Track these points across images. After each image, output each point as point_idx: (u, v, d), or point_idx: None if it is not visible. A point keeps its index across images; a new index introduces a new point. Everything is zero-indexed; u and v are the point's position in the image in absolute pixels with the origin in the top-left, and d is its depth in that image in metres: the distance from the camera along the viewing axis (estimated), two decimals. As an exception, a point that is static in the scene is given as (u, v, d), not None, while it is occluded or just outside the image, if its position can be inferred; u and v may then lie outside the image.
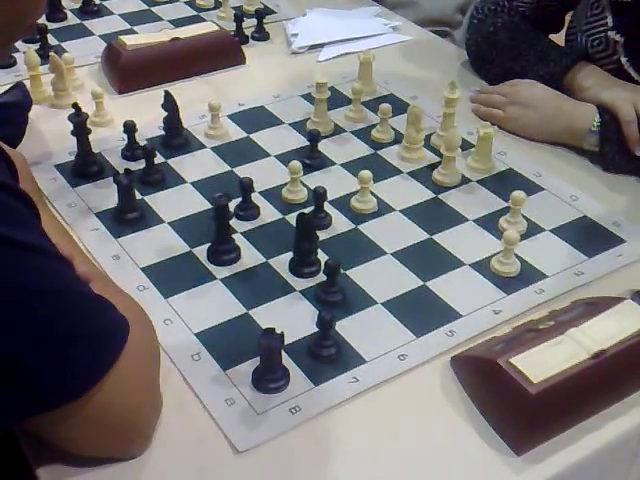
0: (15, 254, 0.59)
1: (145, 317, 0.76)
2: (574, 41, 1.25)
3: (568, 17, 1.33)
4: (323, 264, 0.88)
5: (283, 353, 0.77)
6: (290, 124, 1.19)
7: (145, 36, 1.33)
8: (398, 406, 0.77)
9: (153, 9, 1.50)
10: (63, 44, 1.37)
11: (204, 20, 1.44)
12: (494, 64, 1.28)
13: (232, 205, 0.94)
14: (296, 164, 1.01)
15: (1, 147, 0.66)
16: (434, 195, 1.05)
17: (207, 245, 0.94)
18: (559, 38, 1.31)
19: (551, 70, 1.19)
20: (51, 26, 1.39)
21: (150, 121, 1.15)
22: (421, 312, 0.87)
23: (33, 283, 0.60)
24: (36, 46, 1.32)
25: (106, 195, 1.02)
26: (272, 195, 1.04)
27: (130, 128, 1.08)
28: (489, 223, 1.00)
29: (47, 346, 0.61)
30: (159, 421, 0.73)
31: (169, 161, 1.10)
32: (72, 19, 1.46)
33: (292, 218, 0.95)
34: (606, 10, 1.17)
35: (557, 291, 0.90)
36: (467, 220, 1.01)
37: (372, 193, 1.02)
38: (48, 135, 1.14)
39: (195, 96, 1.23)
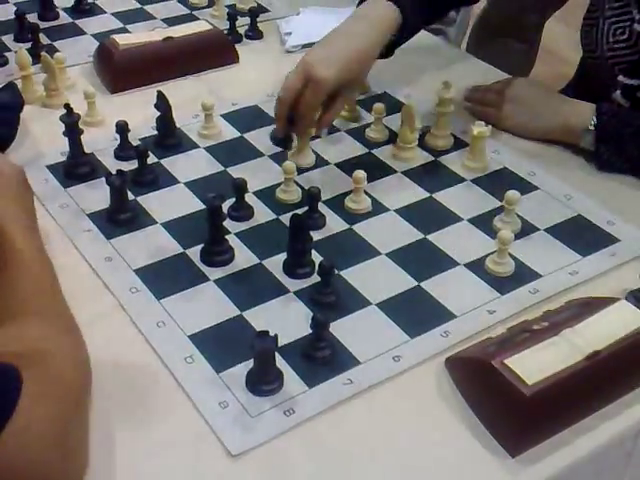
0: None
1: (73, 350, 0.70)
2: (595, 26, 1.20)
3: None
4: (317, 265, 0.88)
5: (277, 355, 0.77)
6: (284, 123, 1.19)
7: (138, 35, 1.32)
8: (392, 407, 0.77)
9: (146, 7, 1.49)
10: (55, 43, 1.36)
11: (197, 19, 1.44)
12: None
13: (226, 205, 0.94)
14: (290, 164, 1.01)
15: None
16: (428, 194, 1.05)
17: (200, 246, 0.93)
18: (567, 30, 1.28)
19: None
20: (43, 25, 1.38)
21: (143, 121, 1.14)
22: (415, 313, 0.87)
23: None
24: (28, 45, 1.30)
25: (98, 196, 1.01)
26: (266, 195, 1.03)
27: (123, 128, 1.08)
28: (483, 223, 1.00)
29: None
30: (150, 425, 0.73)
31: (162, 161, 1.10)
32: (64, 18, 1.44)
33: (286, 218, 0.95)
34: (631, 5, 1.14)
35: (551, 291, 0.90)
36: (461, 220, 1.01)
37: (366, 193, 1.02)
38: (40, 135, 1.14)
39: (188, 95, 1.23)
